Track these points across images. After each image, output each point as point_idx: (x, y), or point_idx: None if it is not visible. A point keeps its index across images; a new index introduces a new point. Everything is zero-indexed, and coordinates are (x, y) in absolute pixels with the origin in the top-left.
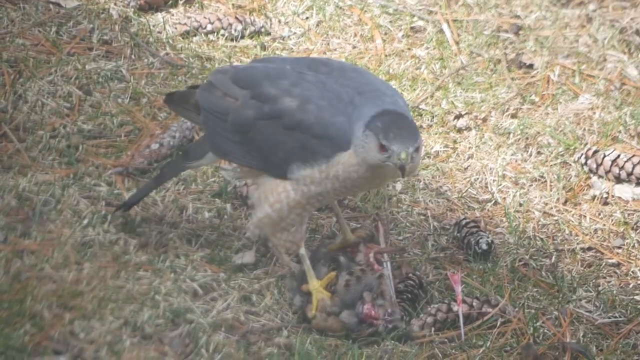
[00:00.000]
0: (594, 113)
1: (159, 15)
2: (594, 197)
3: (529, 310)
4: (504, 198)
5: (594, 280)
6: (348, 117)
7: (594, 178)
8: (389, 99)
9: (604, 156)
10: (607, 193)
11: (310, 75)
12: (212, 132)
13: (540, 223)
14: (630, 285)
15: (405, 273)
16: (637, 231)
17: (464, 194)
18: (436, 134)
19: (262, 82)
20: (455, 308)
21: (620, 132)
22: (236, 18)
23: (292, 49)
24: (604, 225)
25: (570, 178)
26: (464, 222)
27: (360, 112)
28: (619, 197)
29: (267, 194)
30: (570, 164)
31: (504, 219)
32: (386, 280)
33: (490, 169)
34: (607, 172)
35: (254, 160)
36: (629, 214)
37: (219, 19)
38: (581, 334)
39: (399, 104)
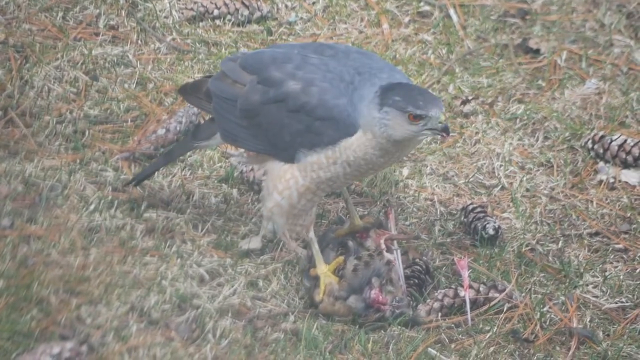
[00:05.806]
0: (601, 98)
1: (165, 1)
2: (600, 182)
3: (536, 296)
4: (511, 183)
5: (600, 266)
6: (349, 98)
7: (601, 163)
8: (385, 75)
9: (611, 141)
10: (614, 178)
11: (315, 58)
12: (222, 119)
13: (547, 208)
14: (637, 271)
15: (412, 258)
16: None
17: (471, 179)
18: None
19: (269, 66)
20: (462, 293)
21: (627, 117)
22: (243, 3)
23: (298, 34)
24: (611, 210)
25: (577, 163)
26: (470, 207)
27: (360, 93)
28: (626, 182)
29: (275, 182)
30: (577, 149)
31: (511, 204)
32: (395, 267)
33: (497, 154)
34: (613, 157)
35: (261, 145)
36: (635, 199)
37: (226, 4)
38: (588, 319)
39: (396, 79)
